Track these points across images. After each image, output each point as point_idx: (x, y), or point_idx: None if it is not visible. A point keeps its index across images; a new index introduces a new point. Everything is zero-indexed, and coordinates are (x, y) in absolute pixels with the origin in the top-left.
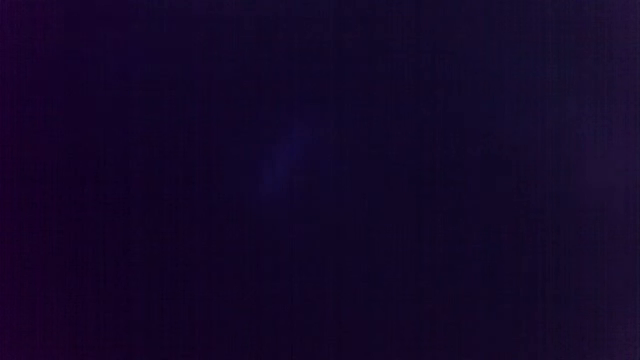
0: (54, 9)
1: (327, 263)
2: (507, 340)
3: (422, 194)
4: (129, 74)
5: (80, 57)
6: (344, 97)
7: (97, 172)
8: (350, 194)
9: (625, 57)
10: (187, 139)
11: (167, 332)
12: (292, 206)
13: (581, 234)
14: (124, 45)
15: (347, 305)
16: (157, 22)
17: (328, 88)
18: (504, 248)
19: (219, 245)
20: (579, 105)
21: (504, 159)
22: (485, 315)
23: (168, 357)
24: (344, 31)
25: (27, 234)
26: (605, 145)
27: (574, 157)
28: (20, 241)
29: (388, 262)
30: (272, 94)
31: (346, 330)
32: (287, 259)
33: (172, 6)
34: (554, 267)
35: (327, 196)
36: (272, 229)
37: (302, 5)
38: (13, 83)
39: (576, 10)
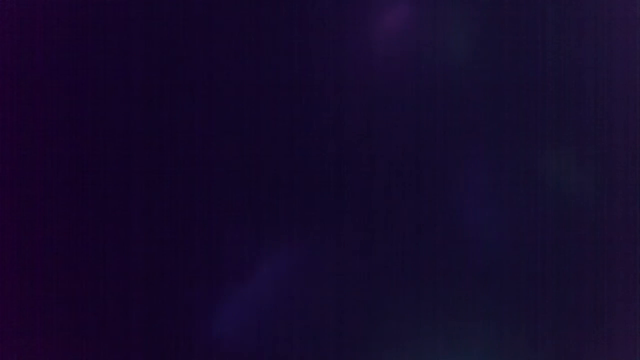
0: (54, 9)
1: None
2: (507, 340)
3: (421, 191)
4: (130, 74)
5: (80, 56)
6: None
7: (97, 172)
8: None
9: (625, 57)
10: (187, 139)
11: (167, 332)
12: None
13: (581, 234)
14: (125, 45)
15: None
16: (157, 22)
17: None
18: (504, 248)
19: (219, 246)
20: (579, 105)
21: (503, 158)
22: (485, 315)
23: (168, 357)
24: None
25: (27, 234)
26: (605, 145)
27: (574, 157)
28: (20, 241)
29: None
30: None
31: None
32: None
33: (172, 6)
34: (554, 267)
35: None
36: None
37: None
38: (13, 83)
39: (576, 10)
